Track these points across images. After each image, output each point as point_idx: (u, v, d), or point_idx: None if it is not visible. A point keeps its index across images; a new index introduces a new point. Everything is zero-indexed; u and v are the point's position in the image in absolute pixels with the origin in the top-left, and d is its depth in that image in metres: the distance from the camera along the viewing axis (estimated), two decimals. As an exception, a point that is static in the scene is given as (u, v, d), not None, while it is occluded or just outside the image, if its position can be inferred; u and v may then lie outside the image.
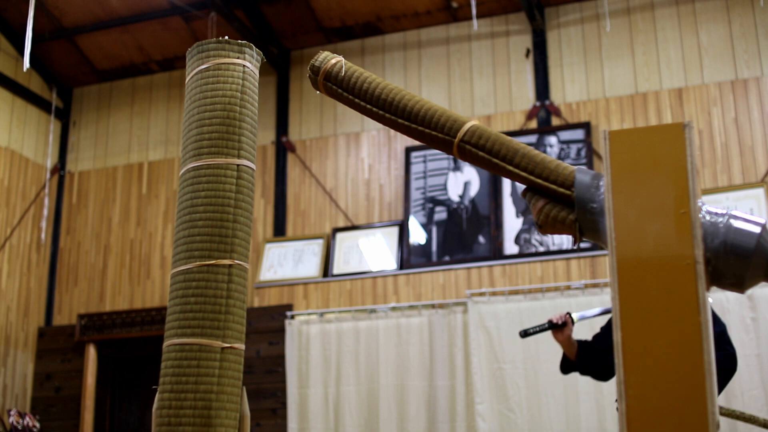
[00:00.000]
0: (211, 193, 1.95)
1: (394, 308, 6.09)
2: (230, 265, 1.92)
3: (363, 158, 6.73)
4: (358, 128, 6.80)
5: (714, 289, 1.39)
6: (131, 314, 6.88)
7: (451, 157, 6.34)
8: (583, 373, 3.66)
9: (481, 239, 6.16)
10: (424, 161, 6.47)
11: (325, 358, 6.09)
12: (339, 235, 6.54)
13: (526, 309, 5.74)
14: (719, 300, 5.31)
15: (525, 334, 3.68)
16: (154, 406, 1.89)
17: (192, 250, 1.92)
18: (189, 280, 1.91)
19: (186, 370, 1.85)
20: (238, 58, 2.06)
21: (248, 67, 2.07)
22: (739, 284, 1.38)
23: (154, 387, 1.91)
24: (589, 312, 3.72)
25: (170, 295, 1.95)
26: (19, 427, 6.50)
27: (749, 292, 1.79)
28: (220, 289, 1.90)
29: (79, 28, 7.14)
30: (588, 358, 3.58)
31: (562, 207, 1.54)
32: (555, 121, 6.30)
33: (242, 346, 1.94)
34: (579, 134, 6.18)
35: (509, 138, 1.63)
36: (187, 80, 2.10)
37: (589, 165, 5.99)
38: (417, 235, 6.33)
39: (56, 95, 7.58)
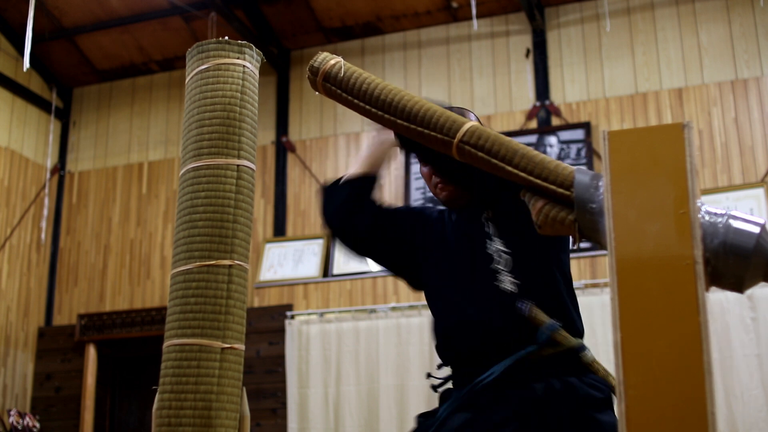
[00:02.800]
0: (211, 193, 1.95)
1: (394, 308, 6.09)
2: (230, 266, 1.92)
3: (363, 158, 6.73)
4: (358, 128, 6.80)
5: (713, 289, 1.39)
6: (131, 314, 6.88)
7: (451, 157, 6.33)
8: (327, 207, 2.29)
9: (481, 239, 6.16)
10: (424, 161, 6.47)
11: (325, 358, 6.09)
12: (339, 235, 6.54)
13: (526, 309, 5.74)
14: (719, 300, 5.32)
15: None
16: (154, 406, 1.89)
17: (192, 251, 1.93)
18: (189, 280, 1.91)
19: (186, 371, 1.85)
20: (238, 58, 2.06)
21: (248, 68, 2.07)
22: (738, 284, 1.38)
23: (154, 387, 1.91)
24: None
25: (170, 296, 1.96)
26: (19, 427, 6.50)
27: (749, 292, 1.79)
28: (220, 289, 1.90)
29: (79, 28, 7.14)
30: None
31: (561, 207, 1.54)
32: (555, 121, 6.31)
33: (242, 347, 1.94)
34: (579, 134, 6.18)
35: (508, 138, 1.63)
36: (187, 81, 2.10)
37: (589, 165, 5.99)
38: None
39: (56, 95, 7.58)
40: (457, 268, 2.16)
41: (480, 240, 2.13)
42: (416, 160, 2.31)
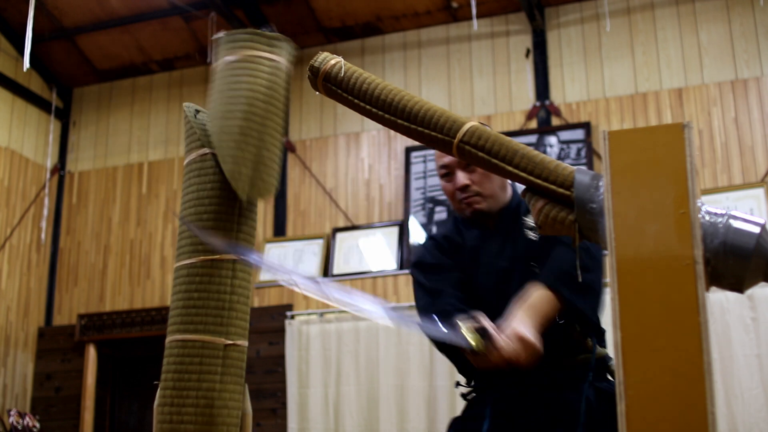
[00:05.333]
0: (217, 185, 1.93)
1: (394, 308, 6.08)
2: (234, 261, 1.90)
3: (363, 158, 6.73)
4: (358, 128, 6.80)
5: (713, 289, 1.39)
6: (131, 314, 6.88)
7: (451, 157, 6.33)
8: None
9: (481, 239, 6.16)
10: (424, 161, 6.47)
11: (325, 358, 6.09)
12: (339, 235, 6.54)
13: (526, 309, 5.73)
14: (719, 300, 5.32)
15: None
16: (155, 402, 1.88)
17: (196, 244, 1.90)
18: (192, 274, 1.89)
19: (188, 367, 1.84)
20: (268, 51, 2.00)
21: (279, 61, 2.01)
22: (738, 285, 1.38)
23: (155, 383, 1.90)
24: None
25: (173, 290, 1.93)
26: (19, 427, 6.50)
27: (749, 292, 1.79)
28: (224, 284, 1.88)
29: (79, 28, 7.14)
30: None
31: (561, 207, 1.53)
32: (555, 121, 6.31)
33: (245, 343, 1.93)
34: (579, 134, 6.18)
35: (509, 138, 1.63)
36: (214, 68, 2.02)
37: (589, 165, 5.99)
38: (417, 235, 6.34)
39: (56, 95, 7.58)
40: (506, 286, 2.20)
41: (528, 253, 2.21)
42: (439, 173, 2.35)
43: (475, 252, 2.29)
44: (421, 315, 2.25)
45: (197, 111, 2.03)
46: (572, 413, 2.07)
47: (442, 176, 2.34)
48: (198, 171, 1.94)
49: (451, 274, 2.27)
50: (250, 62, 1.97)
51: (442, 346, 2.14)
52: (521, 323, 1.94)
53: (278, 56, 1.99)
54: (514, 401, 2.12)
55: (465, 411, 2.27)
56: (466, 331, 1.88)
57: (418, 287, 2.31)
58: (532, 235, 2.22)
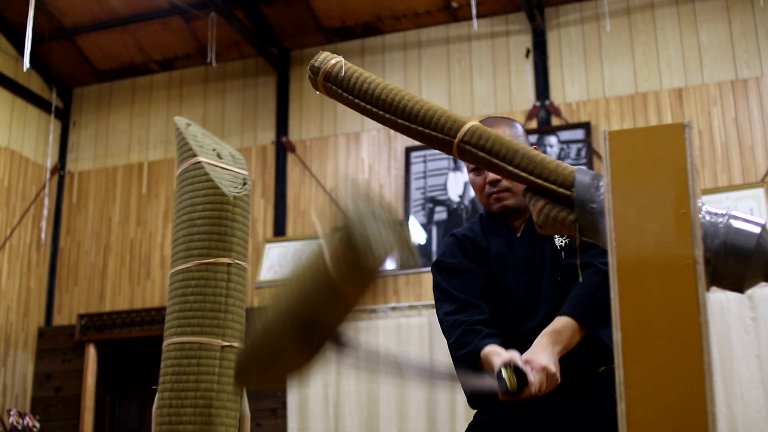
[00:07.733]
0: (210, 191, 1.95)
1: (394, 308, 6.09)
2: (229, 264, 1.92)
3: (363, 158, 6.73)
4: (358, 128, 6.80)
5: (713, 289, 1.39)
6: (131, 314, 6.88)
7: (451, 157, 6.33)
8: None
9: (481, 239, 6.15)
10: (424, 161, 6.47)
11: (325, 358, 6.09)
12: (339, 235, 6.53)
13: (526, 309, 5.73)
14: (719, 300, 5.32)
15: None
16: (154, 405, 1.88)
17: (191, 249, 1.92)
18: (188, 278, 1.91)
19: (186, 369, 1.85)
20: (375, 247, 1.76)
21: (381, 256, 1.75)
22: (738, 284, 1.38)
23: (154, 387, 1.91)
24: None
25: (169, 294, 1.95)
26: (19, 427, 6.50)
27: (749, 292, 1.79)
28: (219, 287, 1.90)
29: (79, 28, 7.14)
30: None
31: (562, 207, 1.53)
32: (555, 121, 6.31)
33: (242, 345, 1.93)
34: (579, 134, 6.18)
35: (509, 138, 1.62)
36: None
37: (589, 165, 5.99)
38: (417, 235, 6.34)
39: (56, 95, 7.58)
40: (534, 293, 2.19)
41: (555, 262, 2.19)
42: (468, 168, 2.31)
43: (503, 256, 2.25)
44: (443, 324, 2.23)
45: (188, 124, 2.03)
46: (586, 424, 2.07)
47: (471, 170, 2.30)
48: (191, 179, 1.96)
49: (475, 278, 2.24)
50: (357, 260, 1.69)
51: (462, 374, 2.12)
52: (544, 352, 1.96)
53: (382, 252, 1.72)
54: (529, 412, 2.11)
55: (484, 417, 2.23)
56: (504, 373, 1.89)
57: (440, 292, 2.27)
58: (559, 240, 2.20)
